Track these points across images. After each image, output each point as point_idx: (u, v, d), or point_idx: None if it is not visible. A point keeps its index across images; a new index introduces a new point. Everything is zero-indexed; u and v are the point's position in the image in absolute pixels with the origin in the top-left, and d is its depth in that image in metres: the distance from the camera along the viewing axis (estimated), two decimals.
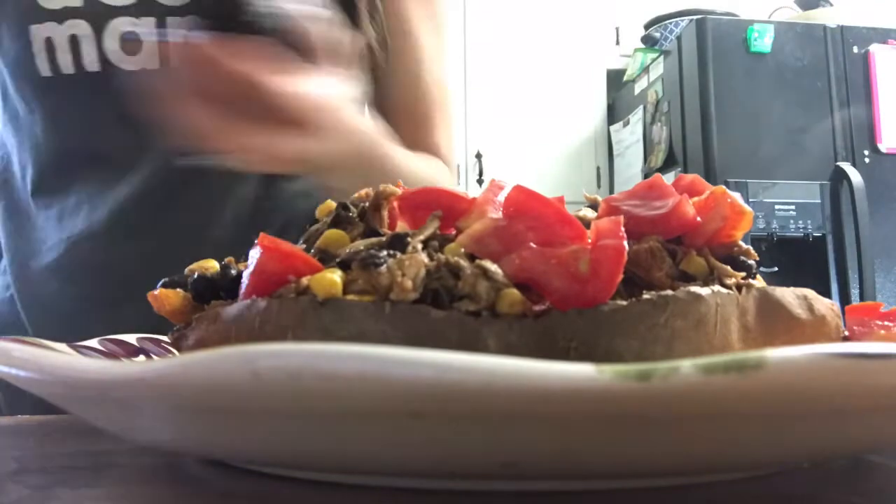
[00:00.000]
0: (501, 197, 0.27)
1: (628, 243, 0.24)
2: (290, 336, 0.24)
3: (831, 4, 2.43)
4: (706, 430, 0.18)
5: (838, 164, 2.01)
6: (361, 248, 0.26)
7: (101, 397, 0.22)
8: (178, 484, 0.24)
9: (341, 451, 0.20)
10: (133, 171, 0.63)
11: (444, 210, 0.28)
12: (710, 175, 2.01)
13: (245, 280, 0.27)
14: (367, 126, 0.57)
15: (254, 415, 0.19)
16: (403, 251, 0.25)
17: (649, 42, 2.55)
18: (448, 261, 0.24)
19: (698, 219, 0.28)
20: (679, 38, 2.24)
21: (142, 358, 0.36)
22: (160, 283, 0.32)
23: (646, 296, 0.23)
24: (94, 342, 0.35)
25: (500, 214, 0.26)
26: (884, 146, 2.10)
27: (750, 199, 1.99)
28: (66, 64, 0.61)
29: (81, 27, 0.60)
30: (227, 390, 0.18)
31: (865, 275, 1.93)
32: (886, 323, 0.28)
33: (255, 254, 0.27)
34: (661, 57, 2.34)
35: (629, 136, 2.55)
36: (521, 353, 0.18)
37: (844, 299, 1.93)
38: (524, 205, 0.26)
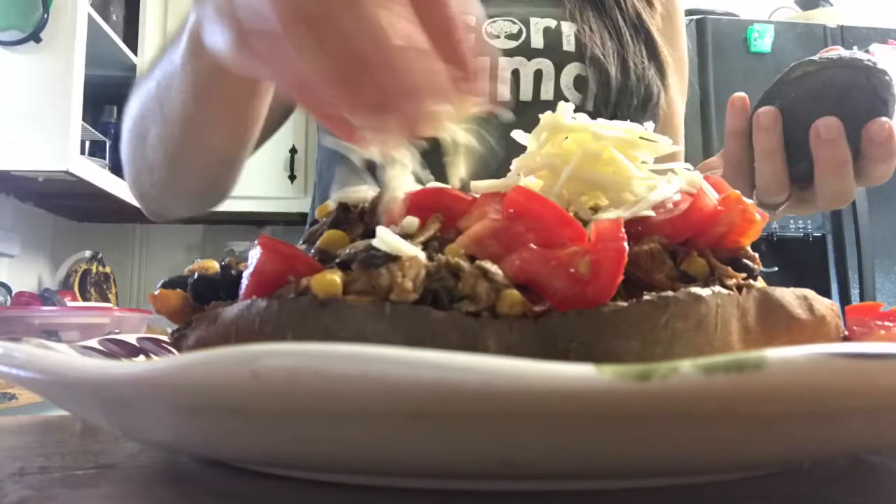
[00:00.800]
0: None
1: (628, 244, 0.24)
2: (289, 336, 0.24)
3: (831, 4, 2.43)
4: (706, 430, 0.18)
5: None
6: (361, 248, 0.26)
7: (101, 397, 0.22)
8: (178, 484, 0.24)
9: (341, 451, 0.20)
10: None
11: (446, 210, 0.28)
12: None
13: (245, 280, 0.27)
14: None
15: (254, 415, 0.19)
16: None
17: None
18: (448, 262, 0.24)
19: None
20: None
21: (142, 358, 0.36)
22: (160, 283, 0.32)
23: (646, 297, 0.23)
24: (94, 342, 0.35)
25: (499, 215, 0.26)
26: None
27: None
28: None
29: None
30: (227, 390, 0.18)
31: (865, 275, 1.93)
32: (886, 323, 0.28)
33: (254, 254, 0.27)
34: None
35: None
36: (521, 354, 0.18)
37: (844, 299, 1.93)
38: (524, 206, 0.26)
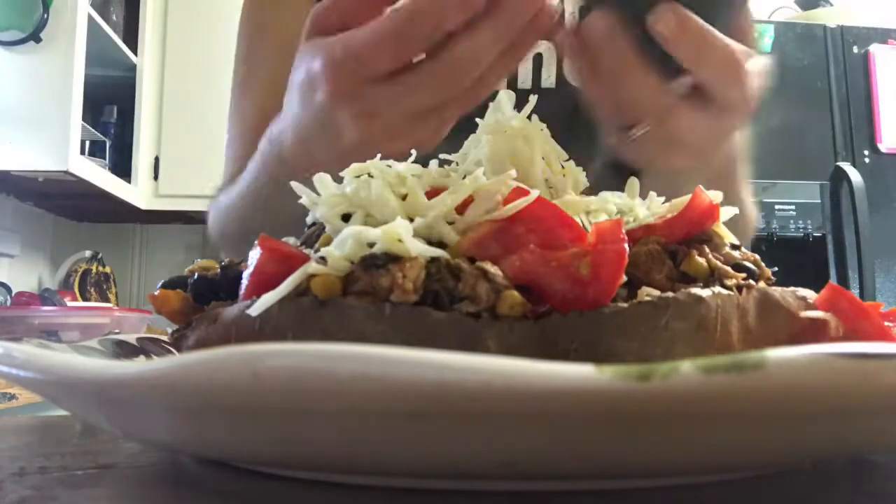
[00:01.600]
0: None
1: (628, 245, 0.24)
2: (290, 337, 0.24)
3: (831, 4, 2.43)
4: (706, 430, 0.18)
5: (838, 164, 2.01)
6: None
7: (101, 397, 0.22)
8: (178, 484, 0.24)
9: (341, 451, 0.20)
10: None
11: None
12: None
13: (245, 281, 0.27)
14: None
15: (254, 415, 0.19)
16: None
17: None
18: (448, 262, 0.24)
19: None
20: None
21: (142, 358, 0.36)
22: (160, 283, 0.32)
23: (646, 298, 0.23)
24: (94, 342, 0.35)
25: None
26: (884, 146, 2.09)
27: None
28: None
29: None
30: (227, 390, 0.18)
31: (865, 275, 1.93)
32: (886, 323, 0.28)
33: (254, 254, 0.27)
34: None
35: None
36: (521, 355, 0.18)
37: None
38: (524, 207, 0.26)
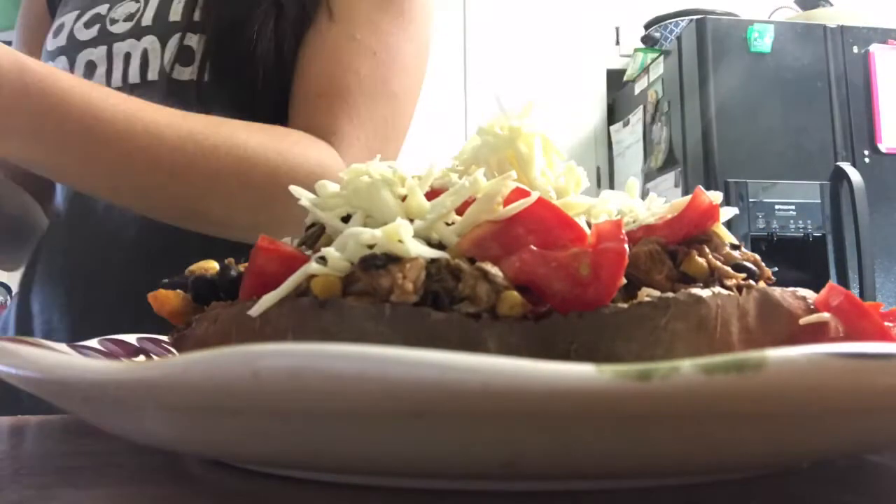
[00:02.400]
0: None
1: (628, 246, 0.24)
2: (290, 337, 0.24)
3: (831, 4, 2.43)
4: (706, 430, 0.18)
5: (838, 164, 2.01)
6: None
7: (101, 397, 0.22)
8: (178, 484, 0.24)
9: (341, 451, 0.20)
10: None
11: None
12: (710, 175, 2.01)
13: (245, 281, 0.27)
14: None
15: (254, 415, 0.19)
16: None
17: (649, 42, 2.55)
18: (448, 263, 0.24)
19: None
20: (679, 38, 2.23)
21: (142, 358, 0.36)
22: (160, 283, 0.32)
23: (646, 298, 0.23)
24: (94, 342, 0.35)
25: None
26: (884, 146, 2.10)
27: (750, 199, 1.99)
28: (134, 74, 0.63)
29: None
30: (227, 390, 0.18)
31: (865, 275, 1.93)
32: (886, 323, 0.28)
33: (254, 255, 0.27)
34: (661, 57, 2.34)
35: (629, 136, 2.55)
36: (521, 355, 0.18)
37: None
38: (524, 208, 0.26)
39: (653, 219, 0.30)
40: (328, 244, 0.27)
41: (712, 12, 2.28)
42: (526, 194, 0.26)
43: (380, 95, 0.60)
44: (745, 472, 0.23)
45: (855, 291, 1.90)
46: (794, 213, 2.02)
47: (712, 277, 0.26)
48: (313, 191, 0.30)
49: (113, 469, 0.26)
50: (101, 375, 0.20)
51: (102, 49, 0.65)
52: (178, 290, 0.31)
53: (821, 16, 2.27)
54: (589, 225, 0.27)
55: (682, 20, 2.43)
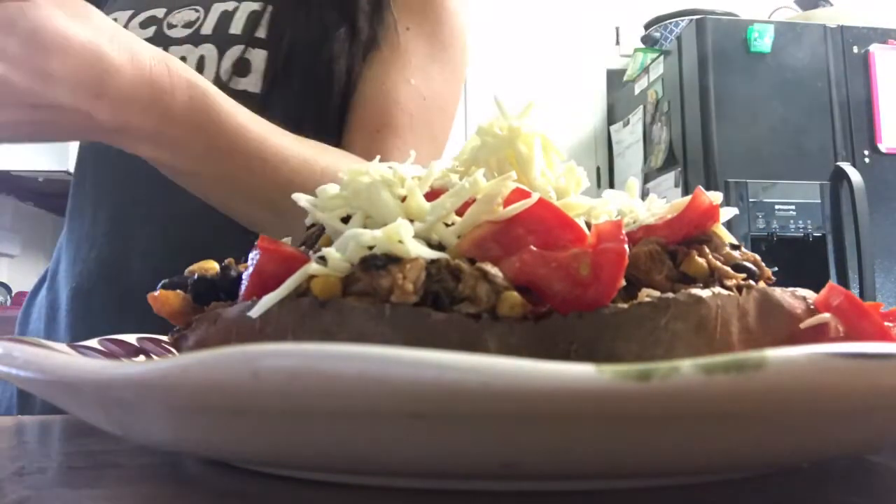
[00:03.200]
0: None
1: (628, 246, 0.24)
2: (290, 337, 0.24)
3: (831, 4, 2.43)
4: (706, 430, 0.18)
5: (838, 164, 2.01)
6: None
7: (101, 397, 0.22)
8: (178, 484, 0.24)
9: (341, 451, 0.20)
10: None
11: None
12: (710, 175, 2.01)
13: (245, 281, 0.27)
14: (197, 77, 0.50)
15: (254, 415, 0.19)
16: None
17: (649, 42, 2.55)
18: (449, 263, 0.24)
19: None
20: (679, 38, 2.23)
21: (142, 358, 0.36)
22: (160, 284, 0.32)
23: (646, 298, 0.23)
24: (94, 342, 0.35)
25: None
26: (884, 146, 2.09)
27: (750, 199, 1.98)
28: None
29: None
30: (227, 390, 0.18)
31: (865, 275, 1.93)
32: (886, 323, 0.28)
33: (254, 255, 0.27)
34: (661, 57, 2.34)
35: (629, 136, 2.55)
36: (521, 356, 0.18)
37: None
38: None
39: (653, 219, 0.30)
40: (328, 245, 0.27)
41: (712, 12, 2.28)
42: (526, 195, 0.26)
43: (424, 134, 0.69)
44: (745, 472, 0.23)
45: (855, 291, 1.90)
46: (794, 213, 2.02)
47: (712, 277, 0.26)
48: None
49: (113, 469, 0.26)
50: (101, 375, 0.20)
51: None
52: (178, 291, 0.31)
53: (821, 16, 2.27)
54: (588, 225, 0.27)
55: (682, 20, 2.43)
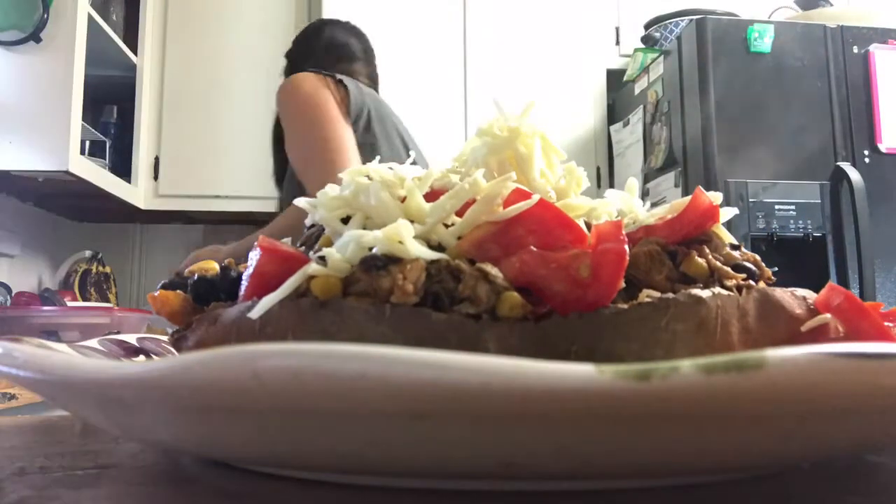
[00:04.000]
0: None
1: (628, 247, 0.24)
2: (290, 338, 0.24)
3: (831, 4, 2.43)
4: (706, 430, 0.18)
5: (838, 164, 2.01)
6: None
7: (101, 397, 0.22)
8: (178, 484, 0.24)
9: (342, 452, 0.20)
10: None
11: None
12: (710, 175, 2.01)
13: (245, 282, 0.27)
14: None
15: (254, 415, 0.19)
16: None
17: (649, 42, 2.55)
18: (449, 264, 0.24)
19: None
20: (679, 38, 2.23)
21: (142, 358, 0.36)
22: (160, 284, 0.32)
23: (647, 299, 0.23)
24: (94, 342, 0.35)
25: None
26: (884, 146, 2.09)
27: (750, 199, 1.98)
28: None
29: None
30: (227, 390, 0.18)
31: (865, 275, 1.93)
32: (886, 323, 0.28)
33: (254, 255, 0.27)
34: (661, 57, 2.34)
35: (629, 136, 2.55)
36: (521, 356, 0.18)
37: None
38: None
39: (653, 219, 0.30)
40: (328, 245, 0.27)
41: (712, 12, 2.28)
42: (526, 195, 0.26)
43: (312, 164, 1.19)
44: (745, 472, 0.23)
45: (855, 291, 1.90)
46: (794, 213, 2.02)
47: (712, 278, 0.26)
48: None
49: (113, 469, 0.26)
50: (101, 375, 0.20)
51: None
52: (179, 291, 0.31)
53: (821, 16, 2.27)
54: (588, 226, 0.27)
55: (682, 20, 2.43)
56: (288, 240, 0.32)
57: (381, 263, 0.23)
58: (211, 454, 0.24)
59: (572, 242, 0.25)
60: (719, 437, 0.19)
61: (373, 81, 1.44)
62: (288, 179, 1.34)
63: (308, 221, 0.32)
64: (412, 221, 0.26)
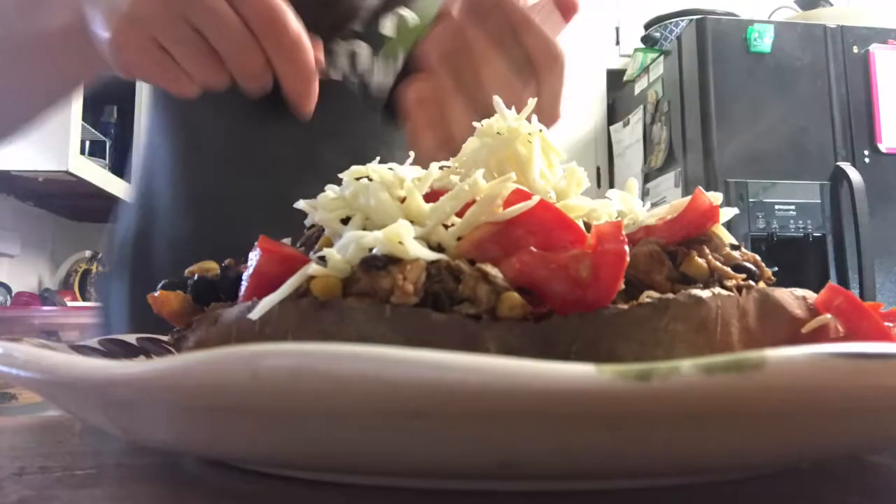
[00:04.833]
0: None
1: (628, 247, 0.24)
2: (290, 338, 0.24)
3: (831, 4, 2.43)
4: (706, 430, 0.18)
5: (838, 164, 2.01)
6: None
7: (101, 397, 0.22)
8: (178, 484, 0.24)
9: (341, 451, 0.20)
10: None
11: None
12: (710, 175, 2.01)
13: (245, 282, 0.27)
14: None
15: (254, 415, 0.19)
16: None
17: (649, 42, 2.55)
18: (449, 264, 0.24)
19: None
20: (679, 38, 2.23)
21: (142, 358, 0.36)
22: (160, 284, 0.32)
23: (647, 299, 0.23)
24: (93, 342, 0.35)
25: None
26: (884, 146, 2.09)
27: (750, 199, 1.98)
28: None
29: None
30: (227, 390, 0.18)
31: (865, 275, 1.93)
32: (886, 323, 0.28)
33: (254, 256, 0.27)
34: (661, 57, 2.34)
35: (629, 136, 2.55)
36: (521, 357, 0.18)
37: None
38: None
39: (653, 220, 0.30)
40: (328, 246, 0.27)
41: (712, 12, 2.28)
42: (526, 196, 0.26)
43: None
44: (746, 472, 0.23)
45: (855, 291, 1.90)
46: (794, 213, 2.02)
47: (712, 278, 0.26)
48: None
49: (113, 469, 0.26)
50: (101, 375, 0.20)
51: None
52: (178, 291, 0.31)
53: (821, 16, 2.27)
54: (588, 226, 0.27)
55: (682, 20, 2.43)
56: (288, 240, 0.32)
57: (381, 264, 0.23)
58: (210, 454, 0.24)
59: (572, 243, 0.25)
60: (719, 437, 0.19)
61: None
62: None
63: (308, 222, 0.32)
64: (412, 222, 0.26)
